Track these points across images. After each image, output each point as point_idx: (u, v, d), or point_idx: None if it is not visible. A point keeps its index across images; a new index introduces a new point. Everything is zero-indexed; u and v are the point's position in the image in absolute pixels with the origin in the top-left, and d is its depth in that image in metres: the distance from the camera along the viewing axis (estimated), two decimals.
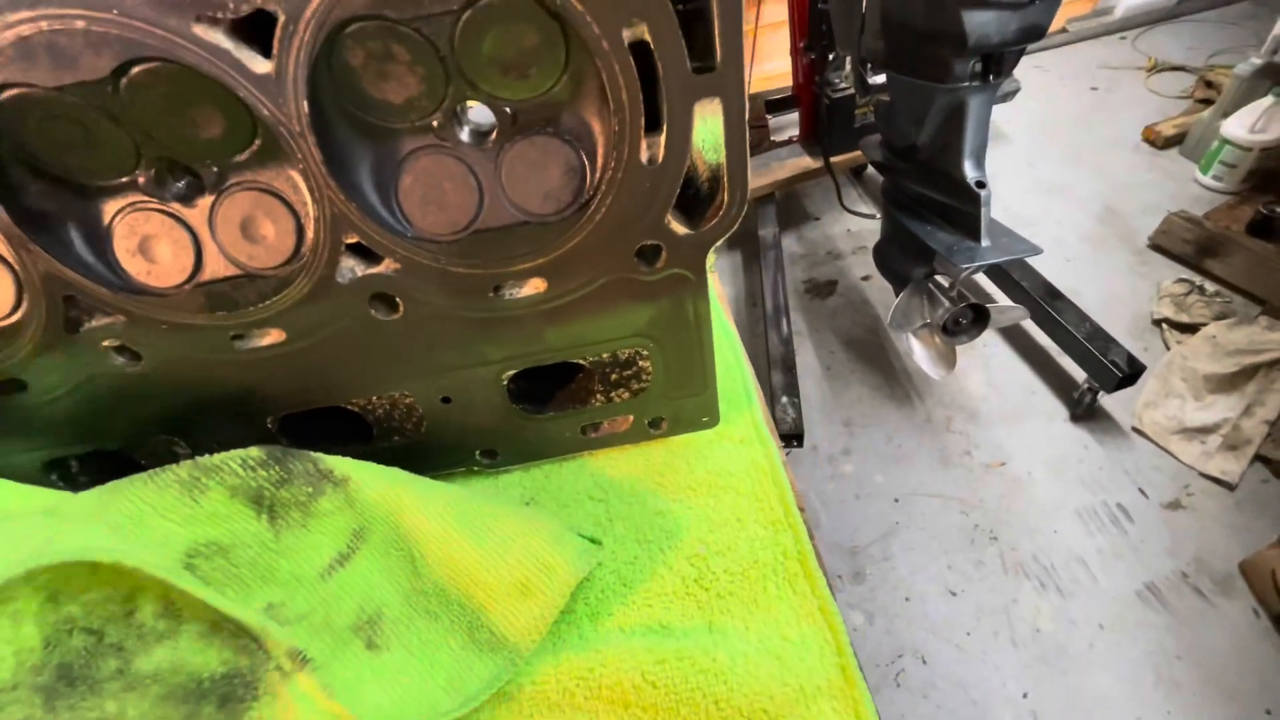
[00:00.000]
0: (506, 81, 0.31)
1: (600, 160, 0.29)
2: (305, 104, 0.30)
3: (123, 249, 0.37)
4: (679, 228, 0.32)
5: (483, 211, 0.34)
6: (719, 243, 0.32)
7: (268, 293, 0.37)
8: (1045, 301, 1.60)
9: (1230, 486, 1.38)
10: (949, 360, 1.44)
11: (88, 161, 0.34)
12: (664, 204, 0.31)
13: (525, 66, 0.30)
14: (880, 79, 1.47)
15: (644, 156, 0.29)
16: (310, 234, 0.35)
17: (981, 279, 1.83)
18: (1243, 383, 1.46)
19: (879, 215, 1.77)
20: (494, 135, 0.34)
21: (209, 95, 0.31)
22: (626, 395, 0.41)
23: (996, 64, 1.13)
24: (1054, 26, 2.73)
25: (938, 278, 1.40)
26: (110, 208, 0.36)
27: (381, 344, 0.40)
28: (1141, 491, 1.41)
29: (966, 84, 1.15)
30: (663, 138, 0.28)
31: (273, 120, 0.30)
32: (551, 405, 0.45)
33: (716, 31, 0.27)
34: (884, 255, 1.63)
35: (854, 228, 2.15)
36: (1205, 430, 1.45)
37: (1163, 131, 2.17)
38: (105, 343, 0.38)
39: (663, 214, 0.31)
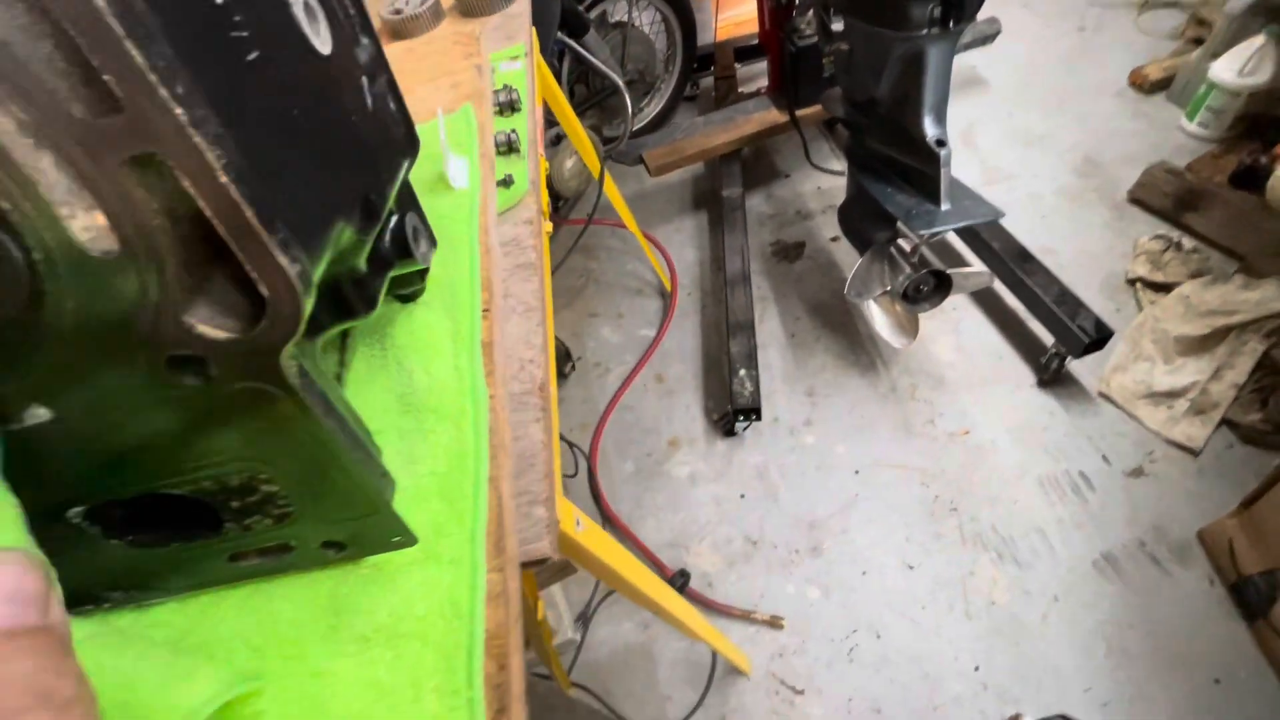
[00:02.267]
0: None
1: (31, 246, 0.21)
2: None
3: None
4: (214, 331, 0.22)
5: None
6: (290, 349, 0.24)
7: None
8: (1015, 264, 1.53)
9: (1194, 452, 1.35)
10: (911, 329, 1.38)
11: None
12: (161, 306, 0.21)
13: None
14: (841, 26, 1.37)
15: (85, 240, 0.19)
16: None
17: (953, 239, 1.76)
18: (1214, 344, 1.41)
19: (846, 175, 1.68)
20: None
21: None
22: (268, 522, 0.31)
23: (956, 9, 1.03)
24: None
25: (900, 242, 1.33)
26: None
27: None
28: (1105, 459, 1.38)
29: (925, 32, 1.06)
30: (98, 217, 0.19)
31: None
32: (180, 537, 0.33)
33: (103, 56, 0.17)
34: (848, 217, 1.56)
35: (824, 185, 2.05)
36: (1173, 394, 1.41)
37: (1150, 75, 2.06)
38: None
39: (174, 316, 0.21)
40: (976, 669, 1.19)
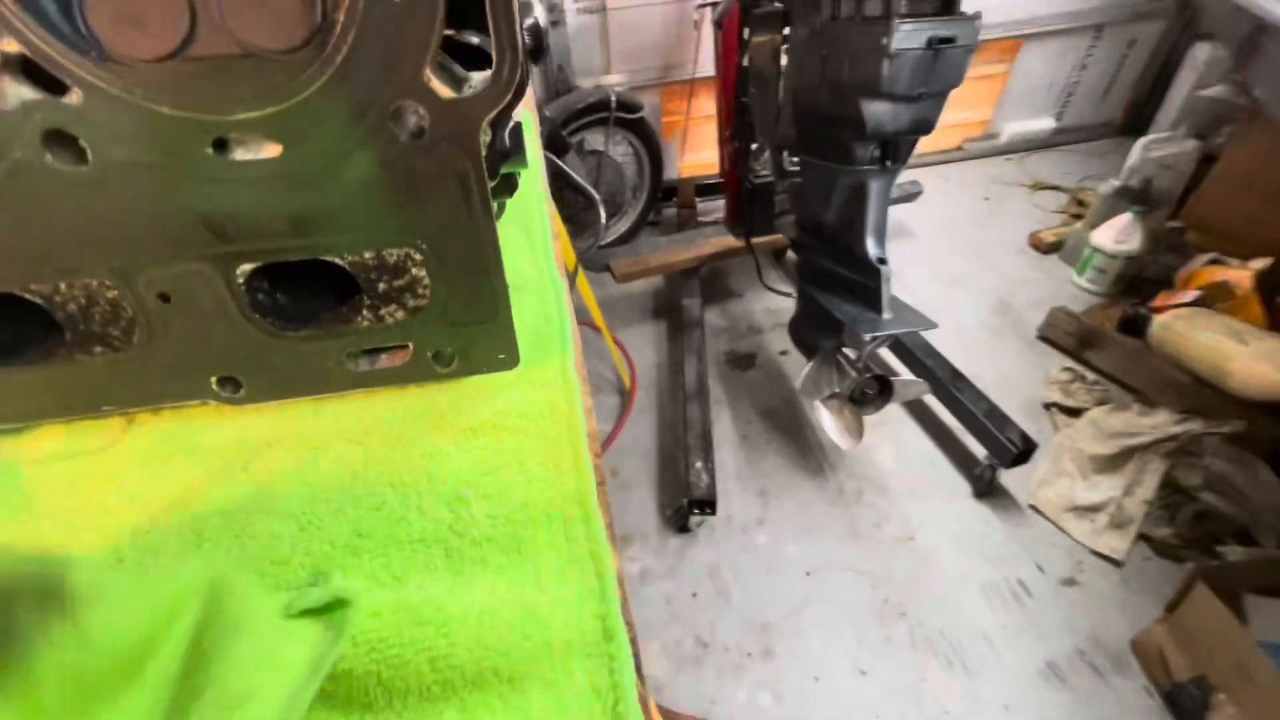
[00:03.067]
0: None
1: None
2: None
3: None
4: (443, 89, 0.26)
5: (195, 38, 0.27)
6: (491, 115, 0.29)
7: None
8: (948, 381, 1.67)
9: (1118, 564, 1.42)
10: (856, 431, 1.46)
11: None
12: (419, 55, 0.25)
13: None
14: (796, 163, 1.58)
15: None
16: None
17: (892, 359, 1.91)
18: (1123, 463, 1.55)
19: (795, 293, 1.84)
20: None
21: None
22: (401, 313, 0.33)
23: (893, 150, 1.22)
24: (951, 145, 3.06)
25: (845, 350, 1.45)
26: None
27: (69, 206, 0.30)
28: (1039, 567, 1.44)
29: (866, 167, 1.24)
30: None
31: None
32: (311, 325, 0.36)
33: None
34: (798, 328, 1.69)
35: (773, 305, 2.23)
36: (1093, 509, 1.51)
37: (1044, 239, 2.42)
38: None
39: (420, 68, 0.25)
40: None
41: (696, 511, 1.48)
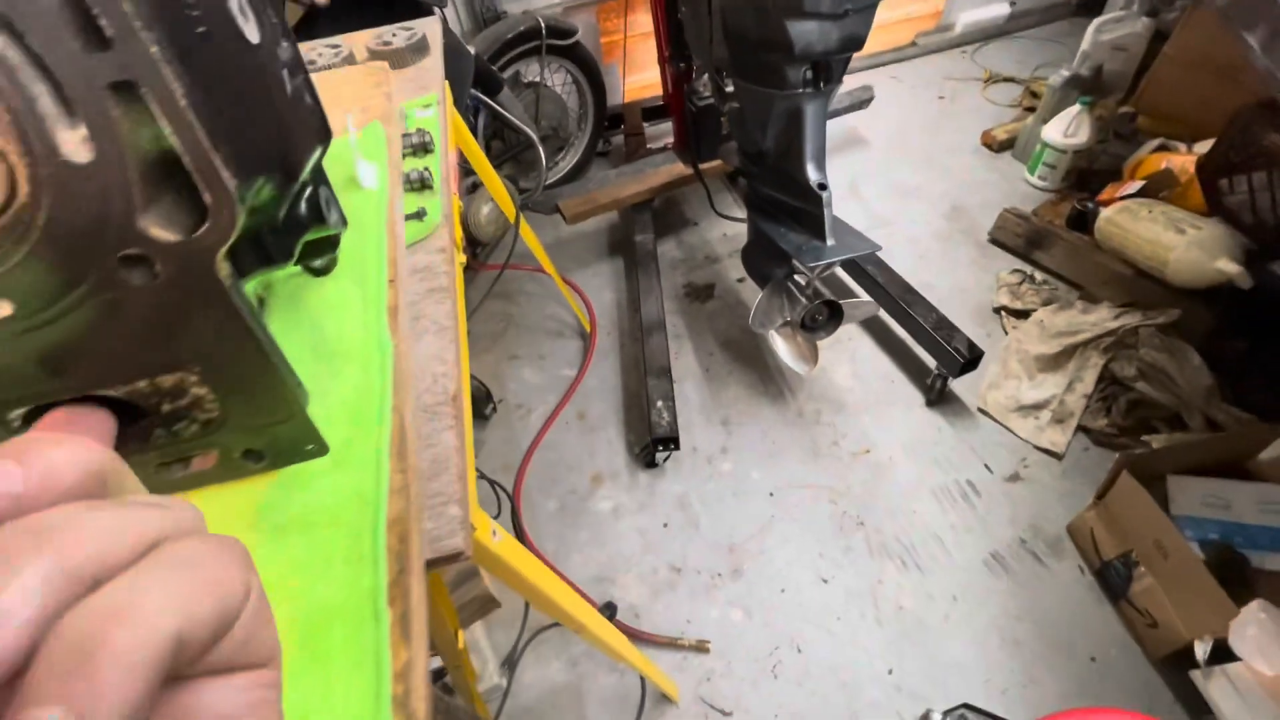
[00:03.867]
0: None
1: (19, 155, 0.25)
2: None
3: None
4: (162, 234, 0.26)
5: None
6: (223, 251, 0.28)
7: None
8: (899, 296, 1.70)
9: (1059, 456, 1.51)
10: (811, 356, 1.50)
11: None
12: (128, 208, 0.25)
13: None
14: (732, 88, 1.52)
15: (68, 152, 0.24)
16: None
17: (844, 277, 1.93)
18: (1065, 361, 1.62)
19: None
20: None
21: None
22: (194, 427, 0.34)
23: (826, 71, 1.18)
24: (904, 40, 2.94)
25: (796, 277, 1.46)
26: None
27: None
28: (987, 467, 1.53)
29: (800, 90, 1.20)
30: (80, 131, 0.24)
31: None
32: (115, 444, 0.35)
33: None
34: (750, 258, 1.68)
35: (729, 232, 2.21)
36: (1037, 407, 1.58)
37: (997, 136, 2.38)
38: None
39: (131, 219, 0.25)
40: (890, 672, 1.25)
41: (661, 449, 1.53)
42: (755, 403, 1.71)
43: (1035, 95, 2.52)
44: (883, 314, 1.73)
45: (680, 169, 2.13)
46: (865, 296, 1.81)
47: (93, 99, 0.22)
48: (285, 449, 0.35)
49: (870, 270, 1.78)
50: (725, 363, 1.82)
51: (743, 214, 2.22)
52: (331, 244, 0.42)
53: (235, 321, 0.28)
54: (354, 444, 0.36)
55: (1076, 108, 2.02)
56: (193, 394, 0.30)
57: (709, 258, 2.15)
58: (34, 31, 0.21)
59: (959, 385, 1.67)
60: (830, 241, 1.32)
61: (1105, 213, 1.77)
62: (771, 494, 1.53)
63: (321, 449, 0.35)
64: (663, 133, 2.57)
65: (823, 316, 1.46)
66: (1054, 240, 1.89)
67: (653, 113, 2.61)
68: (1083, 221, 1.90)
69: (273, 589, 0.30)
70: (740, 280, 2.03)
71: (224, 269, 0.27)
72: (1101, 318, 1.62)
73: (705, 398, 1.74)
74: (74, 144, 0.23)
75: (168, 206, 0.25)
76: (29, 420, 0.30)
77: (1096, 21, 2.22)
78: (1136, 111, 2.22)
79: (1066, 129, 2.02)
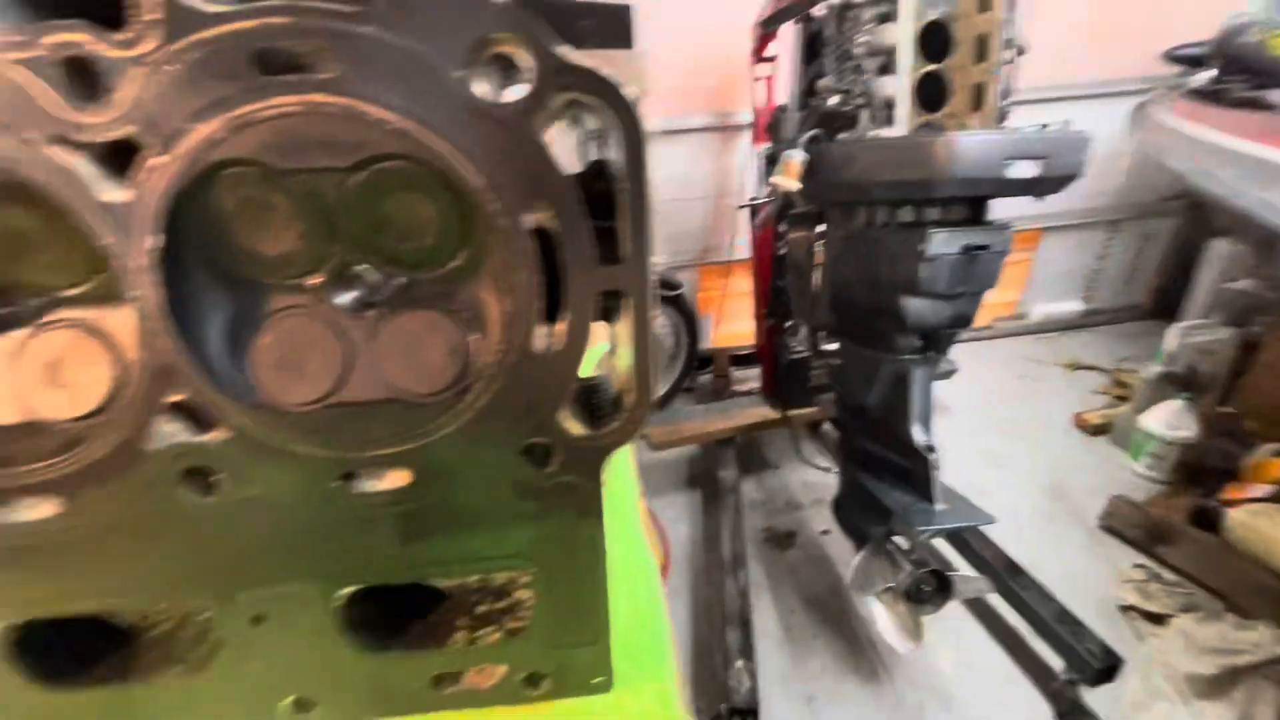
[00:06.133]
0: (399, 250, 0.29)
1: (491, 342, 0.26)
2: (152, 240, 0.27)
3: None
4: (574, 427, 0.28)
5: (346, 381, 0.30)
6: (623, 449, 0.29)
7: (51, 450, 0.30)
8: (1008, 577, 1.54)
9: None
10: (914, 631, 1.33)
11: None
12: (557, 398, 0.27)
13: (421, 236, 0.29)
14: (832, 345, 1.61)
15: (539, 344, 0.27)
16: (129, 387, 0.29)
17: (943, 547, 1.79)
18: (1228, 687, 1.35)
19: (835, 470, 1.80)
20: (376, 304, 0.30)
21: (52, 222, 0.27)
22: (497, 635, 0.33)
23: (935, 341, 1.24)
24: (981, 324, 3.14)
25: (896, 539, 1.36)
26: None
27: (185, 534, 0.31)
28: None
29: (909, 356, 1.25)
30: (562, 326, 0.26)
31: (112, 251, 0.27)
32: (398, 643, 0.35)
33: (625, 224, 0.27)
34: (843, 510, 1.61)
35: (811, 479, 2.16)
36: None
37: (1090, 420, 2.36)
38: None
39: (555, 410, 0.28)
40: None
41: None
42: (845, 680, 1.49)
43: (1123, 385, 2.54)
44: (989, 595, 1.56)
45: (765, 412, 2.19)
46: (971, 572, 1.65)
47: (583, 302, 0.26)
48: (571, 678, 0.32)
49: (973, 543, 1.65)
50: (809, 624, 1.63)
51: (827, 463, 2.19)
52: None
53: (592, 527, 0.28)
54: (632, 684, 0.32)
55: (1179, 403, 2.00)
56: (515, 597, 0.30)
57: (790, 503, 2.08)
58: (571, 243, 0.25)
59: (1092, 696, 1.40)
60: (940, 506, 1.26)
61: (1236, 515, 1.63)
62: None
63: (608, 682, 0.32)
64: (747, 377, 2.70)
65: (929, 588, 1.32)
66: (1178, 537, 1.73)
67: (741, 359, 2.78)
68: (1207, 520, 1.75)
69: None
70: (825, 532, 1.92)
71: (605, 472, 0.27)
72: (1264, 639, 1.39)
73: (786, 664, 1.53)
74: (544, 338, 0.25)
75: (579, 405, 0.27)
76: (348, 603, 0.30)
77: (1179, 326, 2.31)
78: (1239, 413, 2.17)
79: (1171, 422, 1.99)
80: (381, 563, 0.28)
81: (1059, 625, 1.40)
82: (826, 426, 2.39)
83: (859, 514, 1.49)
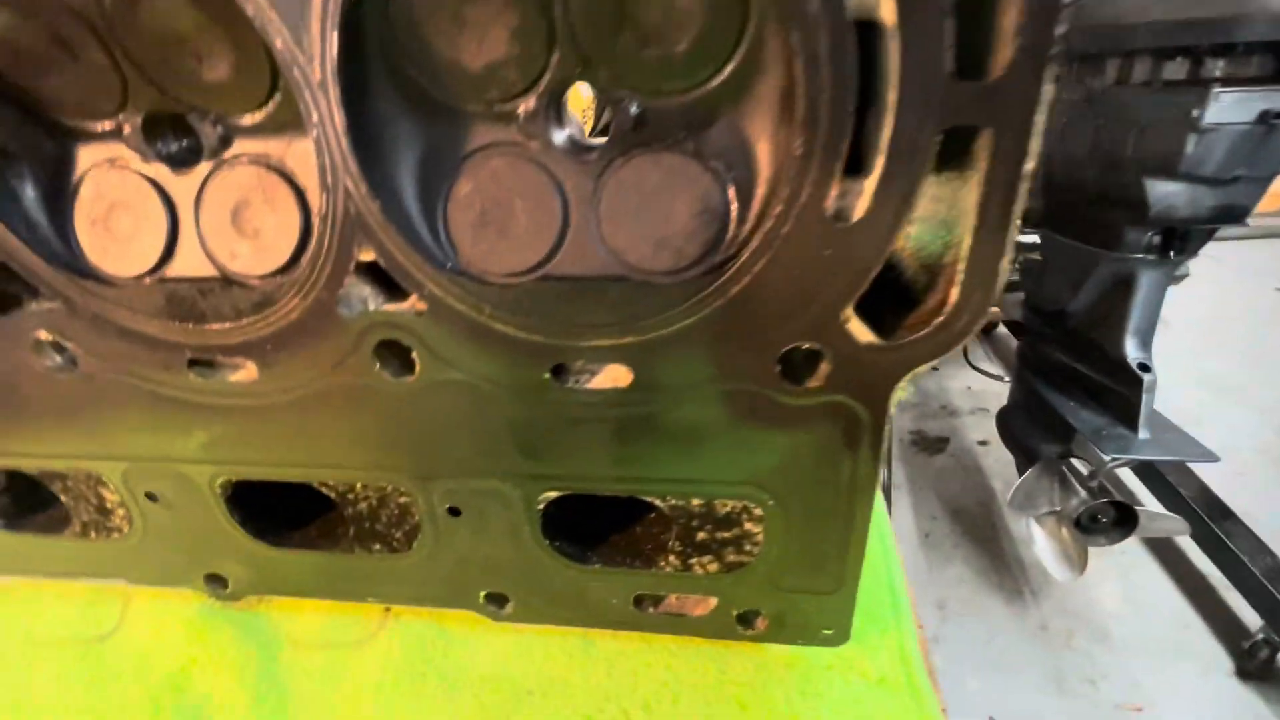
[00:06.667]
0: (641, 59, 0.20)
1: (757, 202, 0.20)
2: (335, 41, 0.21)
3: (84, 214, 0.29)
4: (861, 332, 0.21)
5: (561, 250, 0.24)
6: (923, 369, 0.22)
7: (244, 309, 0.28)
8: (1213, 520, 1.34)
9: None
10: (1078, 561, 1.21)
11: (66, 87, 0.26)
12: (845, 289, 0.20)
13: (674, 38, 0.20)
14: (1030, 237, 1.38)
15: (830, 206, 0.18)
16: (314, 240, 0.26)
17: (1127, 475, 1.58)
18: None
19: (1008, 378, 1.61)
20: (604, 142, 0.23)
21: (217, 18, 0.23)
22: (714, 566, 0.29)
23: (1180, 240, 1.01)
24: None
25: (1075, 461, 1.22)
26: (84, 158, 0.28)
27: (382, 414, 0.29)
28: None
29: (1140, 255, 1.03)
30: (871, 181, 0.18)
31: (287, 58, 0.21)
32: (599, 553, 0.33)
33: (1007, 17, 0.16)
34: (1011, 423, 1.46)
35: (976, 385, 1.97)
36: None
37: None
38: (38, 333, 0.30)
39: (839, 305, 0.20)
40: None
41: None
42: (983, 593, 1.42)
43: None
44: (1182, 537, 1.37)
45: None
46: (1160, 508, 1.46)
47: (918, 146, 0.18)
48: (795, 622, 0.29)
49: (1171, 478, 1.43)
50: (950, 534, 1.56)
51: (998, 371, 1.98)
52: None
53: (863, 463, 0.23)
54: (864, 642, 0.29)
55: None
56: (743, 528, 0.27)
57: (945, 408, 1.93)
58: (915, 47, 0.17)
59: None
60: (1144, 435, 1.08)
61: None
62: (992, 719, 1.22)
63: (842, 636, 0.29)
64: None
65: (1107, 519, 1.18)
66: None
67: None
68: None
69: None
70: (983, 443, 1.77)
71: (900, 394, 0.22)
72: None
73: (920, 568, 1.49)
74: (840, 198, 0.18)
75: (869, 305, 0.21)
76: (551, 507, 0.29)
77: None
78: None
79: None
80: (590, 472, 0.26)
81: (1269, 581, 1.20)
82: (1003, 329, 2.13)
83: (1031, 429, 1.33)
